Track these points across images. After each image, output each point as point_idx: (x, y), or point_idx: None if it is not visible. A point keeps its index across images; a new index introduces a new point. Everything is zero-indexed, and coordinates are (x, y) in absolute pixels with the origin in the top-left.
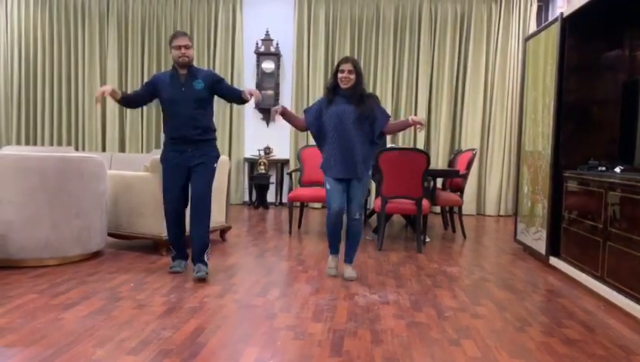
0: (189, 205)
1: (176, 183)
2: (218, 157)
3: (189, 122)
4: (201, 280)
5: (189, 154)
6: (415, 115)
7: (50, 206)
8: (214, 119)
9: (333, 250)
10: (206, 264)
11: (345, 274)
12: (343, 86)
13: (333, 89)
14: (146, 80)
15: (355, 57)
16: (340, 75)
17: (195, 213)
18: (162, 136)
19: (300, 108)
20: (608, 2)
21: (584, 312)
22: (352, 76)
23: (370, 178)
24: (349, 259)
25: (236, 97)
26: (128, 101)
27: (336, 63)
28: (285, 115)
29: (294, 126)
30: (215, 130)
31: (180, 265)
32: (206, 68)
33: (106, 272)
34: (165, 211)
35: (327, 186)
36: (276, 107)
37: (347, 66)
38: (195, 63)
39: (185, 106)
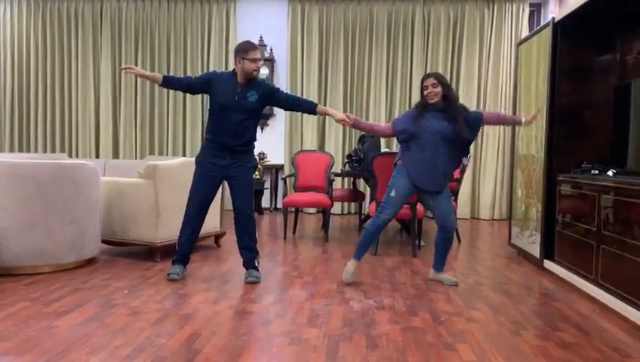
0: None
1: (207, 184)
2: (256, 167)
3: (235, 132)
4: (254, 284)
5: (227, 161)
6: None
7: (43, 213)
8: None
9: (359, 255)
10: (258, 269)
11: (446, 281)
12: (430, 101)
13: (423, 106)
14: (140, 86)
15: (349, 62)
16: (425, 92)
17: (242, 225)
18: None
19: (294, 113)
20: (599, 7)
21: (579, 315)
22: (437, 89)
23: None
24: (440, 267)
25: (303, 108)
26: (171, 83)
27: (329, 68)
28: (356, 126)
29: (373, 132)
30: (256, 140)
31: (179, 272)
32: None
33: (100, 279)
34: (187, 208)
35: (392, 194)
36: (349, 117)
37: (430, 81)
38: (188, 69)
39: (235, 116)
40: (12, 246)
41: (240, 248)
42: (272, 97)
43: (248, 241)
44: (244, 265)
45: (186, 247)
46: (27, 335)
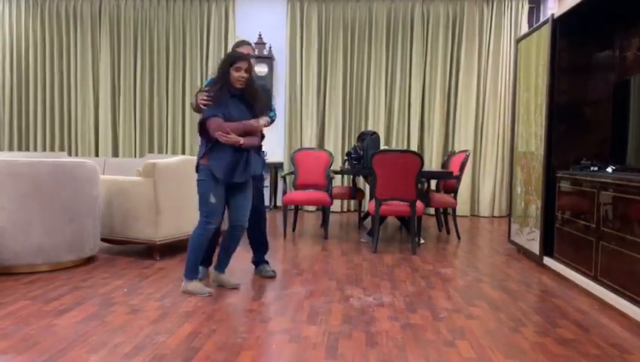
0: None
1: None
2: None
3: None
4: (271, 278)
5: None
6: (409, 118)
7: (43, 211)
8: None
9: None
10: (269, 264)
11: (227, 284)
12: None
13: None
14: (139, 84)
15: (348, 60)
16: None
17: (257, 221)
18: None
19: (293, 111)
20: (598, 3)
21: (578, 312)
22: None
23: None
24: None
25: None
26: None
27: (328, 66)
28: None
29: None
30: None
31: (201, 272)
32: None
33: (99, 277)
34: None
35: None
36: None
37: (244, 64)
38: (187, 67)
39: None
40: (11, 245)
41: (253, 244)
42: None
43: (260, 235)
44: (255, 261)
45: (207, 254)
46: (27, 333)
